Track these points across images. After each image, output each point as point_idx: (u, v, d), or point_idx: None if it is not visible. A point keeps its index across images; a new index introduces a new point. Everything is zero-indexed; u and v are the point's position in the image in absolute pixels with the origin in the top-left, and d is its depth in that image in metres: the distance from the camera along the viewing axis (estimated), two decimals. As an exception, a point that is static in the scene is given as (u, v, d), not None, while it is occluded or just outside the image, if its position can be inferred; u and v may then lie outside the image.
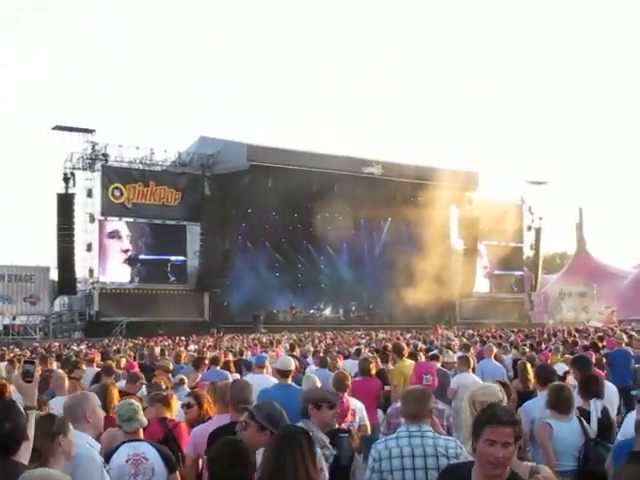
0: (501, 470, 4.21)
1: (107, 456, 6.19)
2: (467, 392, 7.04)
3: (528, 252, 66.91)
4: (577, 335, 25.26)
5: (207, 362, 13.41)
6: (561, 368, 11.06)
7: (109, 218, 49.20)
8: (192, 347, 26.34)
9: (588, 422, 7.39)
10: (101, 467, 5.56)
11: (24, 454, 4.44)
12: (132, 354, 21.40)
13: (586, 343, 18.37)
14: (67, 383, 9.58)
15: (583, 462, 6.90)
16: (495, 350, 15.21)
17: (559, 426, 7.12)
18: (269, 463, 4.29)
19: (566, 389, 7.44)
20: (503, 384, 7.79)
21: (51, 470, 3.03)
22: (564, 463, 6.79)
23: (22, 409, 4.54)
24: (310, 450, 4.47)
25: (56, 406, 8.01)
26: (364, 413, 9.04)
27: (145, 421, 6.68)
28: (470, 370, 12.47)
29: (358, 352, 17.60)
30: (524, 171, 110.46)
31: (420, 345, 20.29)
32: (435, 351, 16.74)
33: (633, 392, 9.72)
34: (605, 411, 7.94)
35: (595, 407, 7.81)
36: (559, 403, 7.27)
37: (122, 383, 10.92)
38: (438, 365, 12.41)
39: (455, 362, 13.53)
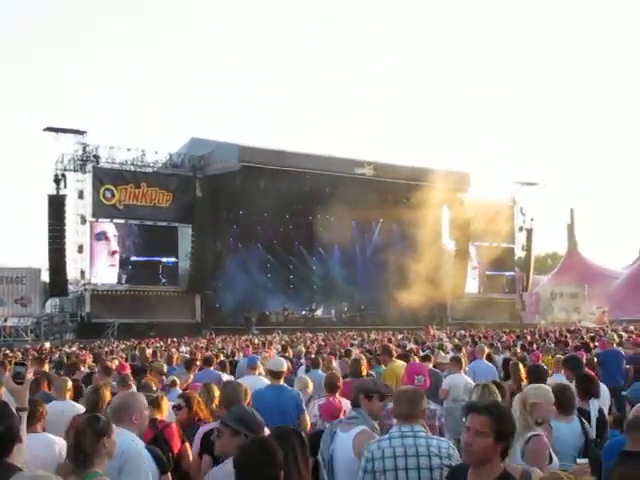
0: (470, 458, 4.37)
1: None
2: (518, 395, 6.99)
3: (519, 253, 66.94)
4: (569, 336, 25.32)
5: (198, 363, 13.43)
6: None
7: (100, 220, 49.03)
8: (184, 348, 26.29)
9: (588, 422, 7.41)
10: (148, 461, 5.72)
11: (17, 456, 4.44)
12: (124, 356, 21.40)
13: (577, 343, 18.42)
14: (69, 387, 9.53)
15: None
16: (487, 351, 15.23)
17: (559, 426, 7.14)
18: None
19: (568, 390, 7.44)
20: (498, 385, 7.83)
21: (41, 472, 3.03)
22: (562, 463, 6.80)
23: (15, 411, 4.54)
24: (303, 452, 4.46)
25: (53, 410, 8.01)
26: (355, 413, 9.05)
27: (138, 423, 6.68)
28: (462, 371, 12.49)
29: (348, 353, 17.59)
30: (515, 172, 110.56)
31: (412, 346, 20.31)
32: (427, 352, 16.79)
33: (624, 392, 9.73)
34: (601, 411, 7.98)
35: (593, 407, 7.83)
36: (561, 403, 7.29)
37: (114, 385, 10.88)
38: (430, 366, 12.42)
39: (447, 363, 13.56)
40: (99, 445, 4.86)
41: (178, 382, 10.81)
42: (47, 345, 34.70)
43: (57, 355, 24.29)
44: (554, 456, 6.17)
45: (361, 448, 5.90)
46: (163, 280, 51.14)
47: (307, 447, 4.59)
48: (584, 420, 7.33)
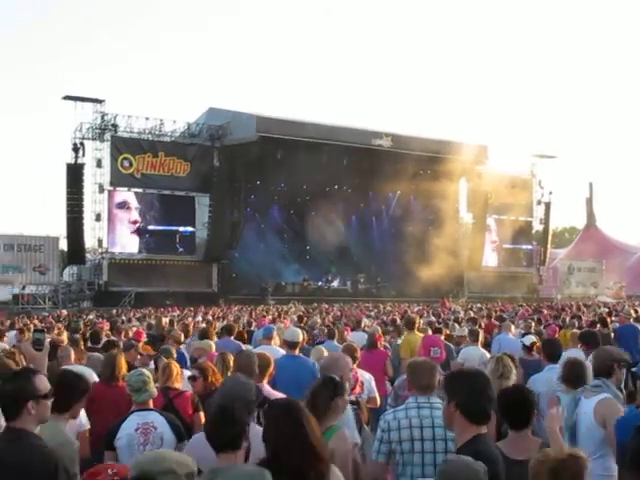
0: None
1: (117, 425, 6.24)
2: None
3: (537, 226, 66.63)
4: (585, 310, 25.26)
5: (214, 332, 13.46)
6: (528, 339, 11.16)
7: (118, 188, 49.14)
8: (199, 318, 26.35)
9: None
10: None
11: (29, 420, 4.44)
12: (140, 325, 21.47)
13: (593, 318, 18.37)
14: (73, 354, 9.57)
15: None
16: (513, 326, 15.26)
17: (568, 400, 7.13)
18: (281, 434, 4.34)
19: (578, 365, 7.41)
20: (512, 358, 7.81)
21: (167, 452, 3.11)
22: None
23: (35, 376, 4.53)
24: (308, 418, 4.53)
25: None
26: (373, 385, 9.04)
27: (155, 392, 6.72)
28: (479, 344, 12.44)
29: (359, 323, 17.61)
30: (534, 145, 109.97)
31: (432, 318, 20.35)
32: (441, 324, 16.82)
33: (634, 369, 9.65)
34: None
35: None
36: (570, 378, 7.28)
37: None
38: (441, 338, 12.41)
39: (464, 336, 13.57)
40: (332, 404, 5.49)
41: (212, 348, 10.73)
42: (64, 313, 34.90)
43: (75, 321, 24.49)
44: None
45: (603, 415, 6.20)
46: (180, 249, 51.24)
47: (307, 414, 4.64)
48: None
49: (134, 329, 15.81)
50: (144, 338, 13.23)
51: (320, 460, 4.40)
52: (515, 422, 5.10)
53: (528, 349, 10.80)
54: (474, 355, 11.83)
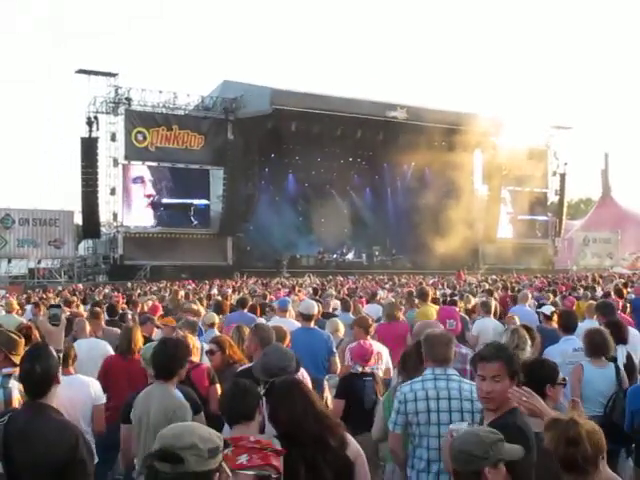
0: (492, 404, 4.54)
1: (132, 397, 6.26)
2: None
3: (553, 198, 66.37)
4: (601, 281, 25.19)
5: (229, 304, 13.50)
6: (548, 309, 11.15)
7: (132, 162, 49.21)
8: (214, 291, 26.40)
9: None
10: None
11: (52, 398, 4.49)
12: (156, 298, 21.55)
13: (608, 289, 18.30)
14: (88, 327, 9.62)
15: (610, 410, 6.91)
16: (530, 297, 15.21)
17: (591, 371, 7.12)
18: (295, 409, 4.42)
19: (598, 334, 7.40)
20: (528, 329, 7.79)
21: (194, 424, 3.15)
22: (590, 408, 6.77)
23: (54, 352, 4.58)
24: (314, 397, 4.61)
25: (79, 348, 8.09)
26: (388, 357, 9.03)
27: (170, 365, 6.72)
28: (492, 315, 12.41)
29: (374, 295, 17.60)
30: (549, 116, 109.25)
31: (446, 290, 20.36)
32: (456, 297, 16.80)
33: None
34: (629, 357, 7.92)
35: (621, 353, 7.77)
36: (590, 347, 7.28)
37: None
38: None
39: (477, 306, 13.57)
40: (421, 367, 5.80)
41: (217, 323, 10.82)
42: (80, 286, 35.07)
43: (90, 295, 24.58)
44: None
45: None
46: (195, 222, 51.33)
47: (310, 392, 4.67)
48: (621, 368, 7.28)
49: (149, 303, 15.87)
50: (160, 312, 13.26)
51: (338, 427, 4.54)
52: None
53: (548, 318, 10.78)
54: (488, 326, 11.82)
